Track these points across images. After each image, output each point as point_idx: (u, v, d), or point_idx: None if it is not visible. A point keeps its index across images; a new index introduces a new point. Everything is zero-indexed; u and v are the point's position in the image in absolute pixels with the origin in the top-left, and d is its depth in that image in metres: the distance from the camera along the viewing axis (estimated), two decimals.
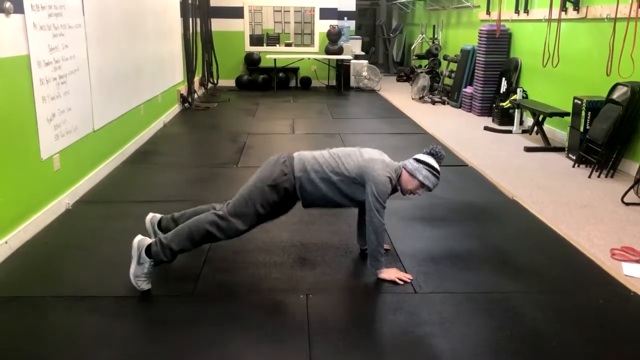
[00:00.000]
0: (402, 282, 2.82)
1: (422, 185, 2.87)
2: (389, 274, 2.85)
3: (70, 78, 3.96)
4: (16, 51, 3.23)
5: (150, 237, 2.95)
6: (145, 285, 2.69)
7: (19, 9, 3.22)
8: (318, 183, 2.81)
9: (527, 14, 7.04)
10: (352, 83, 10.94)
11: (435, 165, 2.87)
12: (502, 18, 7.39)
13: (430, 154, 2.90)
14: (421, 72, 9.76)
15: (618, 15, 4.92)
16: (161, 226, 3.06)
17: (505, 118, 7.04)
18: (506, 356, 2.26)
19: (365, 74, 10.76)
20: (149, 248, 2.71)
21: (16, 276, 2.88)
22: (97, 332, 2.37)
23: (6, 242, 3.07)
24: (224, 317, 2.51)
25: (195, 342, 2.31)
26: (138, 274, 2.68)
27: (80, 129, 4.15)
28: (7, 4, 3.09)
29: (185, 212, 3.03)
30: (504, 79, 7.45)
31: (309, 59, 10.89)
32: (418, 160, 2.87)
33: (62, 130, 3.83)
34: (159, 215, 3.11)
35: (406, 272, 2.92)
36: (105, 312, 2.54)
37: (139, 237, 2.76)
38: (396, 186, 2.90)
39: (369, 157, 2.86)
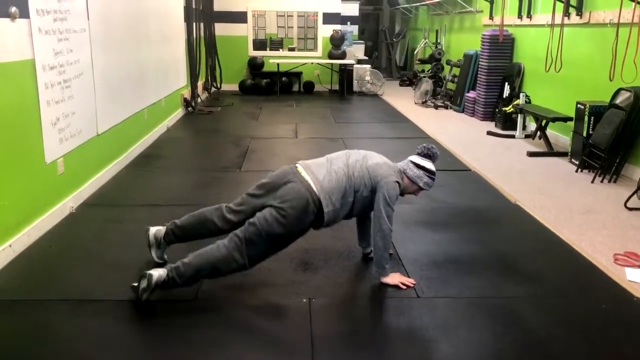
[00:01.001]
0: (405, 287, 2.82)
1: (420, 189, 2.97)
2: (392, 278, 2.85)
3: (75, 82, 3.98)
4: (21, 55, 3.25)
5: (150, 247, 2.98)
6: (147, 292, 2.60)
7: (24, 13, 3.24)
8: (339, 210, 2.80)
9: (530, 19, 7.06)
10: (355, 87, 10.95)
11: (433, 169, 2.95)
12: (505, 23, 7.39)
13: (427, 155, 2.93)
14: (424, 77, 9.78)
15: (621, 21, 4.92)
16: (167, 241, 2.99)
17: (508, 123, 7.04)
18: None
19: (368, 78, 10.77)
20: (163, 284, 2.58)
21: (20, 279, 2.89)
22: (100, 336, 2.38)
23: (10, 246, 3.08)
24: (227, 321, 2.52)
25: (197, 346, 2.32)
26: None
27: (84, 133, 4.17)
28: (13, 9, 3.11)
29: (187, 225, 2.93)
30: (506, 83, 7.45)
31: (312, 63, 10.92)
32: (417, 166, 2.91)
33: (67, 133, 3.85)
34: (162, 229, 2.98)
35: (409, 277, 2.92)
36: (109, 315, 2.54)
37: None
38: (402, 190, 2.92)
39: (375, 162, 2.87)
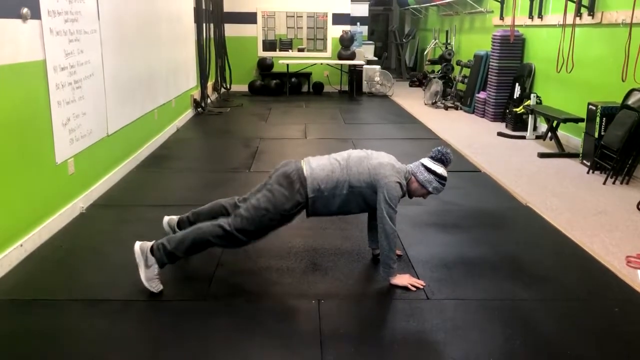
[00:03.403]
0: (414, 288, 2.81)
1: (429, 193, 2.94)
2: (402, 279, 2.84)
3: (85, 83, 4.00)
4: (33, 56, 3.27)
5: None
6: (159, 286, 2.72)
7: (35, 14, 3.27)
8: (330, 199, 2.83)
9: (541, 20, 7.01)
10: (365, 88, 10.94)
11: (445, 174, 2.90)
12: (515, 23, 7.36)
13: (440, 160, 2.89)
14: (434, 78, 9.74)
15: (634, 21, 4.87)
16: (180, 228, 3.07)
17: (518, 124, 7.00)
18: None
19: (377, 79, 10.76)
20: (151, 250, 2.73)
21: (31, 279, 2.90)
22: (110, 335, 2.39)
23: (21, 245, 3.10)
24: (236, 321, 2.52)
25: (207, 346, 2.32)
26: (150, 277, 2.71)
27: (94, 133, 4.19)
28: (24, 10, 3.13)
29: (202, 211, 3.05)
30: (517, 84, 7.41)
31: (321, 64, 10.92)
32: (428, 170, 2.87)
33: (77, 134, 3.87)
34: (175, 218, 3.14)
35: (419, 278, 2.91)
36: (119, 315, 2.55)
37: (139, 242, 2.78)
38: (406, 191, 2.90)
39: (378, 162, 2.86)
